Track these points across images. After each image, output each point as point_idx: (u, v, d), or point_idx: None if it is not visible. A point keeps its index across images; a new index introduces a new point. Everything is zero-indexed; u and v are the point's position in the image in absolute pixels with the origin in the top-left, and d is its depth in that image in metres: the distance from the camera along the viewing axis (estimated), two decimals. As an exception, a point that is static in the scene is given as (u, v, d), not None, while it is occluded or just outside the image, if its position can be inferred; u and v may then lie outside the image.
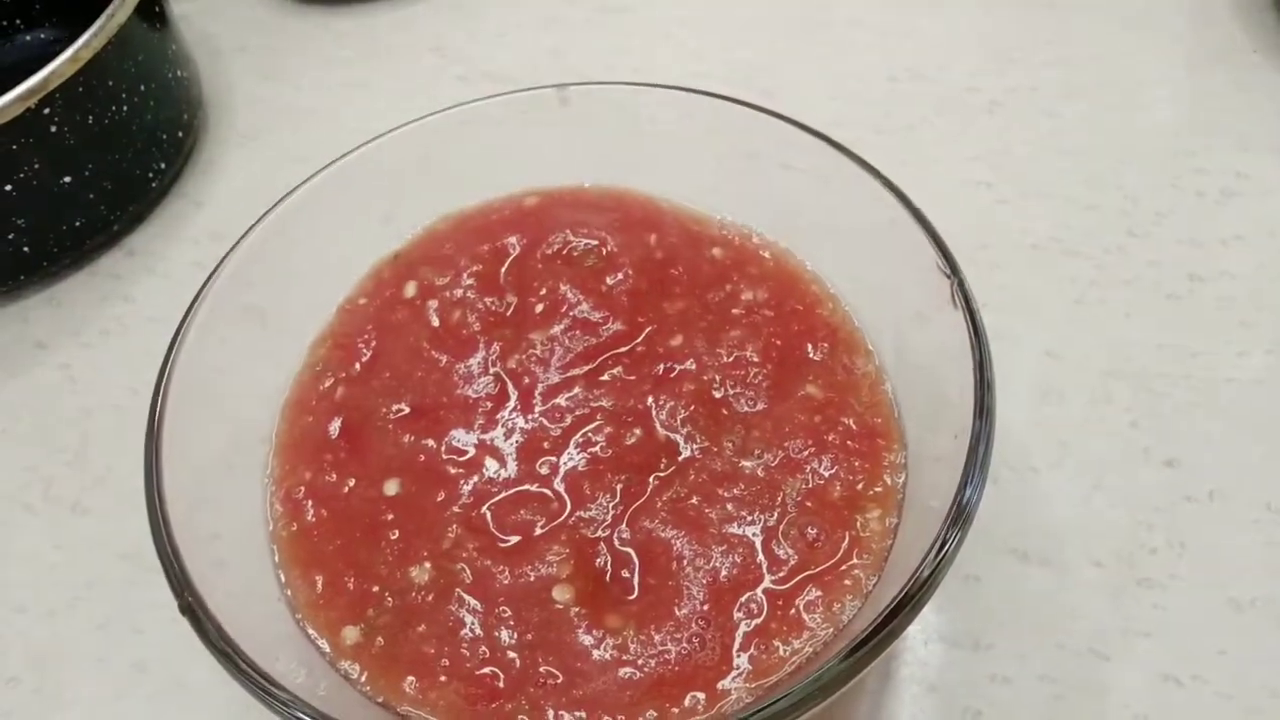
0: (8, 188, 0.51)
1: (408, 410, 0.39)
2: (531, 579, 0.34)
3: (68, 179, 0.54)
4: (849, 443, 0.37)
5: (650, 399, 0.38)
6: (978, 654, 0.40)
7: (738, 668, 0.32)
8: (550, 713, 0.32)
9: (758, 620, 0.33)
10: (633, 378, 0.39)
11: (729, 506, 0.36)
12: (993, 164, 0.57)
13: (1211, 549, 0.43)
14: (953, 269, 0.35)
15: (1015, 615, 0.41)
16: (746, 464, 0.37)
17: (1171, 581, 0.42)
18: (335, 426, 0.39)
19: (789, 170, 0.42)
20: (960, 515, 0.30)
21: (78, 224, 0.55)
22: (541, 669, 0.33)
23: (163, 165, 0.58)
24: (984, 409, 0.32)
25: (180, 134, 0.60)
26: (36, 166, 0.52)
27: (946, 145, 0.58)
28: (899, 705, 0.39)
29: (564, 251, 0.43)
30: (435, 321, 0.41)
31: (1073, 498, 0.44)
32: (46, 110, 0.50)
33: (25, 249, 0.54)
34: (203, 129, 0.62)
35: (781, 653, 0.33)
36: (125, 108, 0.55)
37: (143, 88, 0.56)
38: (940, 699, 0.39)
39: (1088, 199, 0.55)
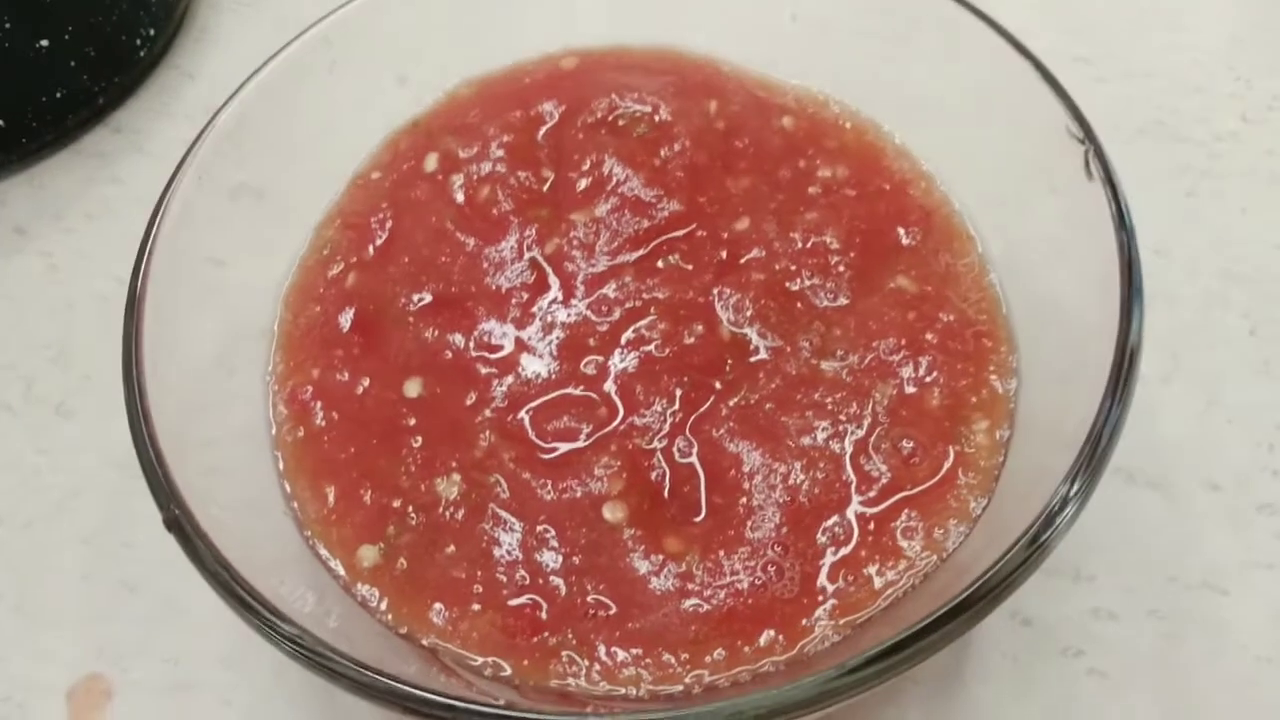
0: (-25, 50, 0.45)
1: (430, 300, 0.34)
2: (578, 495, 0.29)
3: (45, 42, 0.48)
4: (949, 343, 0.31)
5: (713, 291, 0.33)
6: (1079, 585, 0.36)
7: (822, 602, 0.28)
8: (601, 649, 0.28)
9: (846, 548, 0.28)
10: (691, 266, 0.34)
11: (808, 415, 0.30)
12: (1091, 38, 0.50)
13: (1343, 473, 0.38)
14: (1087, 133, 0.30)
15: (1121, 543, 0.36)
16: (827, 366, 0.31)
17: (1296, 509, 0.37)
18: (347, 318, 0.34)
19: (872, 22, 0.36)
20: (1099, 446, 0.25)
21: (58, 95, 0.50)
22: (590, 598, 0.28)
23: (152, 32, 0.52)
24: (1130, 309, 0.26)
25: (170, -4, 0.53)
26: (7, 26, 0.46)
27: (1039, 15, 0.51)
28: (989, 641, 0.35)
29: (609, 119, 0.37)
30: (461, 199, 0.36)
31: (1185, 413, 0.39)
32: (15, -42, 0.44)
33: (0, 123, 0.48)
34: (196, -8, 0.56)
35: (875, 585, 0.28)
36: (107, -39, 0.49)
37: (126, -61, 0.49)
38: (1036, 634, 0.35)
39: (1196, 79, 0.49)
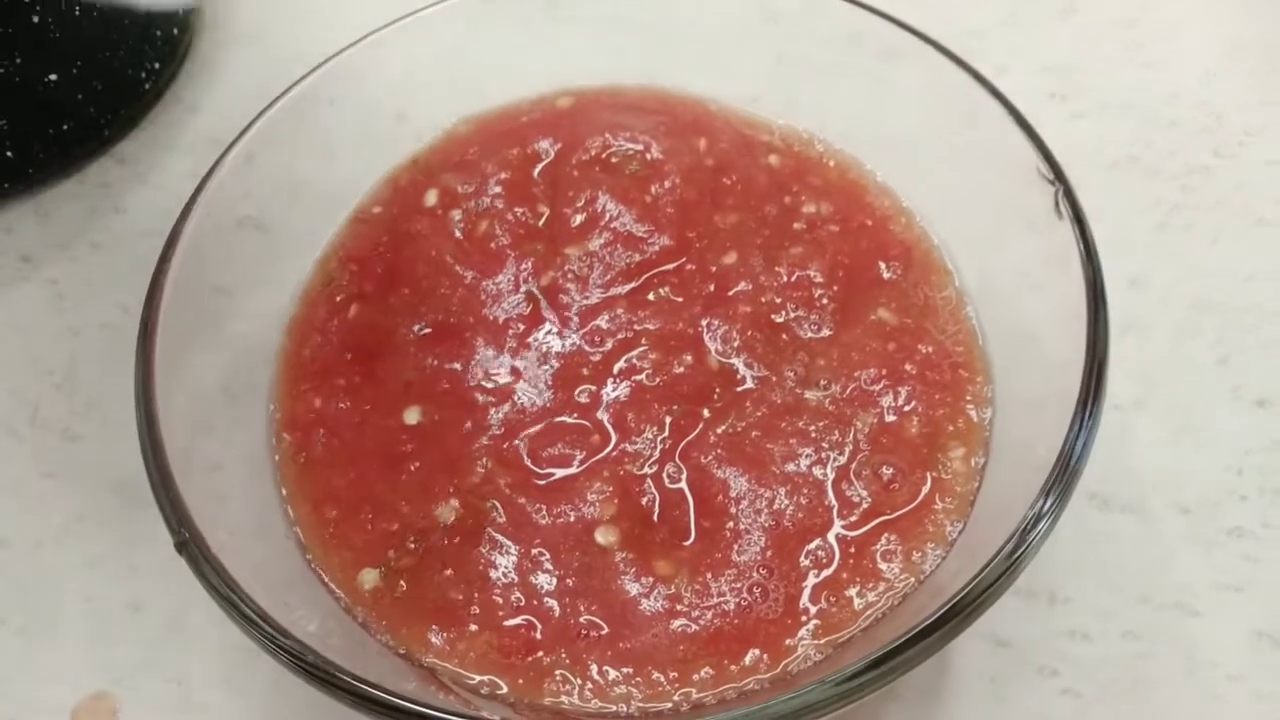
0: (-13, 84, 0.47)
1: (430, 330, 0.35)
2: (571, 519, 0.31)
3: (53, 77, 0.49)
4: (928, 373, 0.33)
5: (702, 322, 0.34)
6: (1054, 608, 0.37)
7: (805, 622, 0.29)
8: (594, 668, 0.29)
9: (827, 570, 0.30)
10: (681, 299, 0.35)
11: (792, 442, 0.32)
12: (1067, 75, 0.52)
13: (1309, 497, 0.39)
14: (1057, 174, 0.31)
15: (1095, 566, 0.38)
16: (811, 395, 0.33)
17: (1264, 531, 0.38)
18: (349, 348, 0.35)
19: (856, 63, 0.37)
20: (1069, 463, 0.26)
21: (65, 128, 0.51)
22: (583, 619, 0.29)
23: (156, 65, 0.54)
24: (1097, 340, 0.28)
25: (175, 31, 0.55)
26: (18, 61, 0.47)
27: (1016, 54, 0.53)
28: (966, 662, 0.36)
29: (603, 157, 0.38)
30: (459, 234, 0.37)
31: (1157, 440, 0.40)
32: (27, -2, 0.45)
33: (9, 154, 0.50)
34: (200, 27, 0.57)
35: (855, 606, 0.29)
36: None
37: (133, -23, 0.51)
38: (1013, 656, 0.36)
39: (1170, 115, 0.51)
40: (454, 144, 0.40)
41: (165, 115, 0.54)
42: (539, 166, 0.39)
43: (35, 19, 0.47)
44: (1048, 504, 0.26)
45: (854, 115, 0.38)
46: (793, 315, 0.34)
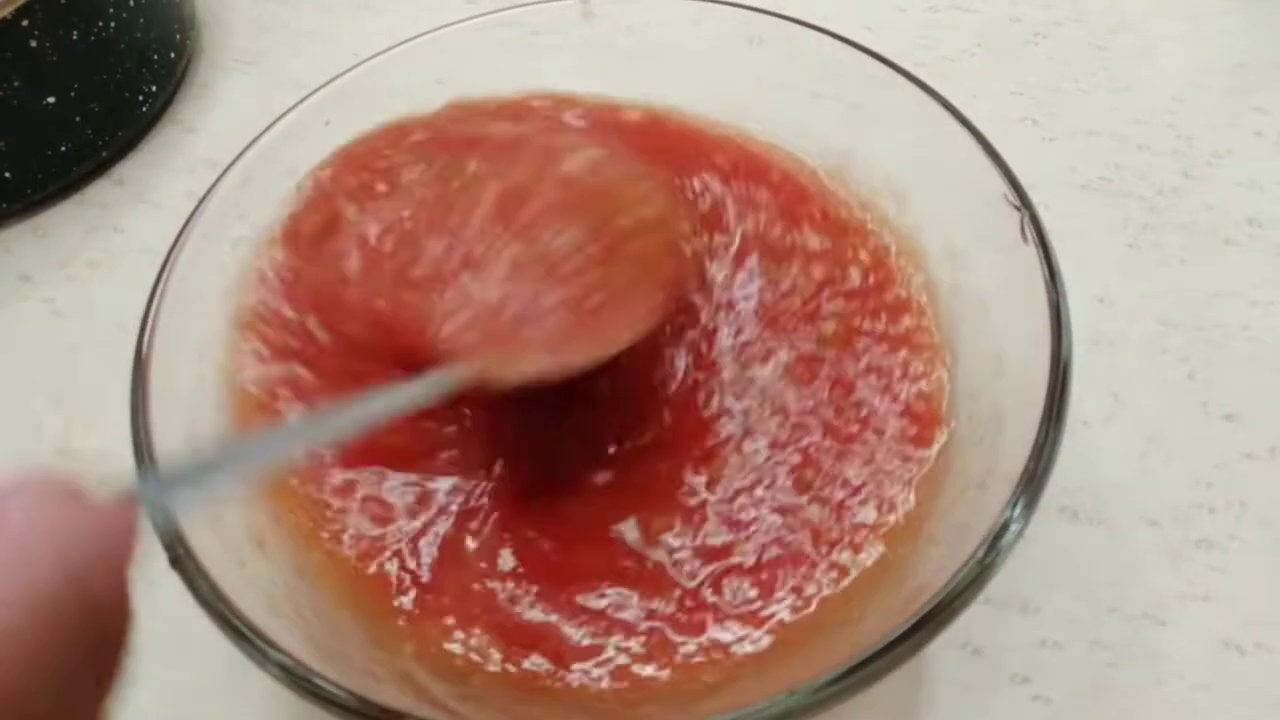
0: (-14, 107, 0.48)
1: None
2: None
3: (51, 99, 0.50)
4: (903, 392, 0.34)
5: None
6: (1026, 617, 0.38)
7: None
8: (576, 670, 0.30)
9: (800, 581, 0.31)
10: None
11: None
12: (1038, 100, 0.53)
13: (1273, 508, 0.40)
14: (1022, 201, 0.32)
15: (1065, 577, 0.39)
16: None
17: (1231, 543, 0.39)
18: None
19: (837, 92, 0.39)
20: (1035, 472, 0.27)
21: (63, 149, 0.52)
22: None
23: (154, 88, 0.55)
24: (1060, 350, 0.29)
25: (172, 55, 0.56)
26: (16, 84, 0.48)
27: (989, 79, 0.54)
28: (941, 669, 0.37)
29: None
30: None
31: (1126, 454, 0.42)
32: (25, 22, 0.46)
33: (7, 174, 0.51)
34: (196, 51, 0.58)
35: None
36: (112, 24, 0.51)
37: (131, 3, 0.52)
38: (986, 663, 0.37)
39: (1139, 138, 0.52)
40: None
41: (162, 137, 0.55)
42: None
43: (33, 43, 0.48)
44: (1016, 511, 0.27)
45: (837, 142, 0.40)
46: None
